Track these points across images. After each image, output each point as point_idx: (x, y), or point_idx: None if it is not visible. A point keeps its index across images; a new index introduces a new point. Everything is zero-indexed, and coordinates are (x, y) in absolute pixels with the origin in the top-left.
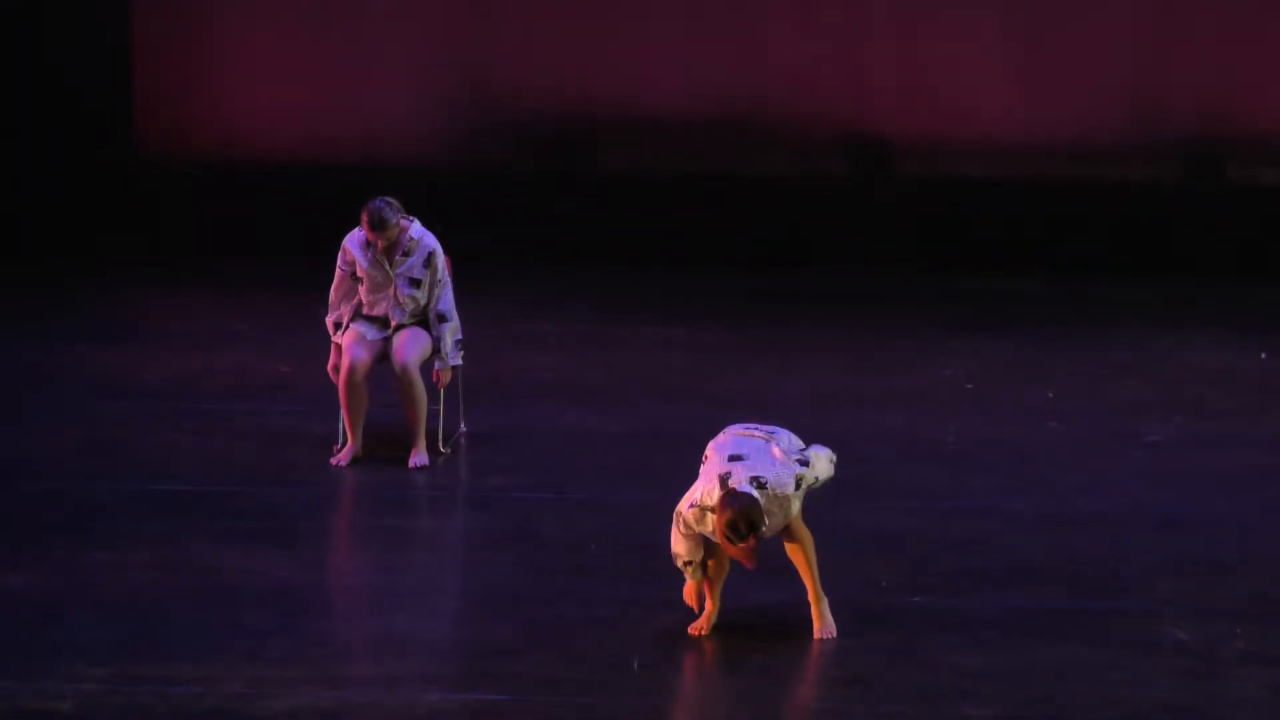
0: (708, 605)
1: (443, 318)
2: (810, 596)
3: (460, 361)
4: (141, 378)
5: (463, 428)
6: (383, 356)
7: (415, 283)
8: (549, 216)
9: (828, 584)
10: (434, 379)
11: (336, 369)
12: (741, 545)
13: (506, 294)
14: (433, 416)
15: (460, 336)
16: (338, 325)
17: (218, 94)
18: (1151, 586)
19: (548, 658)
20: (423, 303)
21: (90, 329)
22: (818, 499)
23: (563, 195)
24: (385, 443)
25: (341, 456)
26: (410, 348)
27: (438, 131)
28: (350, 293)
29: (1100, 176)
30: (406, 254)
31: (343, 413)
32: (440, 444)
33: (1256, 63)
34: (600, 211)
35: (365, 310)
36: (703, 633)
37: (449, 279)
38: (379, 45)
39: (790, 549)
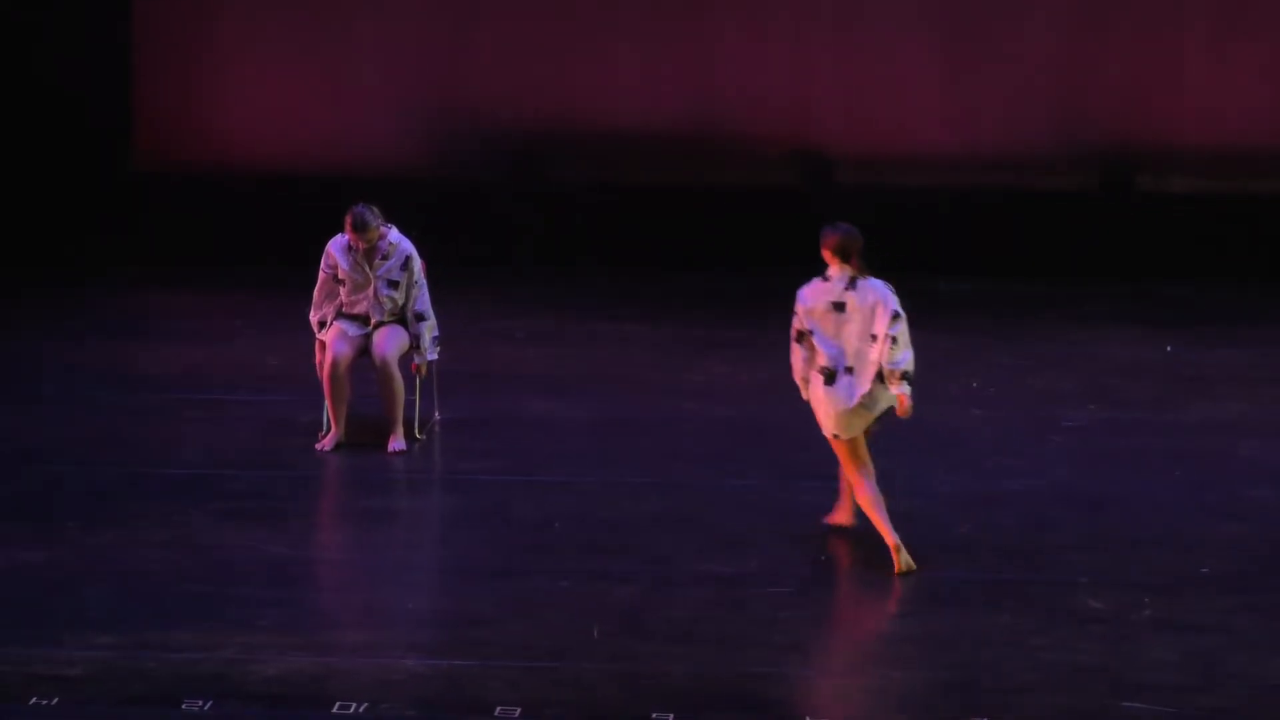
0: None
1: (420, 317)
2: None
3: (436, 356)
4: (144, 371)
5: (437, 416)
6: (363, 351)
7: (393, 284)
8: (517, 223)
9: (769, 557)
10: (412, 370)
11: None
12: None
13: (479, 294)
14: (410, 406)
15: (437, 334)
16: (321, 324)
17: (212, 110)
18: (1069, 560)
19: (516, 627)
20: (400, 303)
21: (96, 327)
22: (768, 479)
23: (529, 204)
24: (366, 430)
25: (325, 442)
26: (389, 343)
27: (415, 145)
28: (332, 294)
29: (1023, 185)
30: (385, 257)
31: (326, 402)
32: (416, 430)
33: (1167, 81)
34: (564, 219)
35: (346, 310)
36: None
37: (425, 281)
38: (361, 66)
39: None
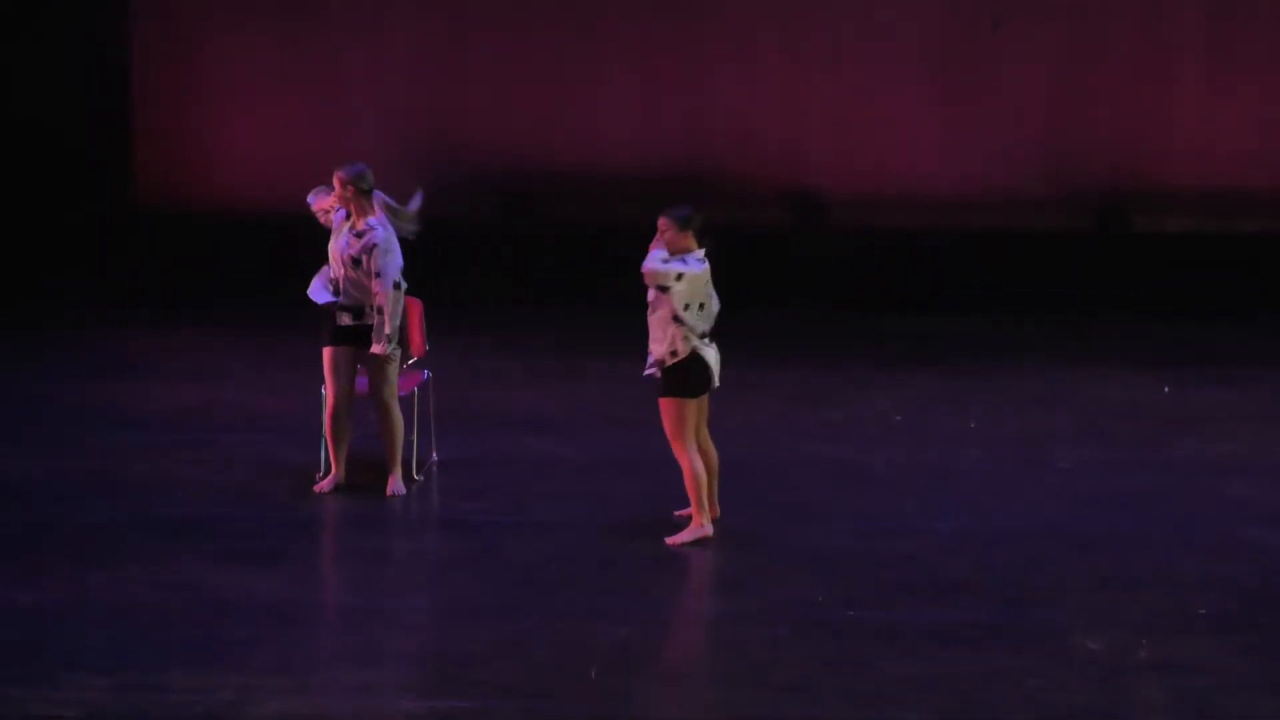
0: None
1: (379, 310)
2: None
3: (384, 352)
4: (139, 411)
5: (435, 456)
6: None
7: (355, 261)
8: (510, 263)
9: (764, 598)
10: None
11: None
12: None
13: (474, 334)
14: (408, 447)
15: (389, 331)
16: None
17: (209, 150)
18: (1064, 600)
19: (511, 667)
20: (358, 291)
21: (91, 366)
22: (764, 519)
23: (522, 243)
24: (364, 470)
25: (324, 484)
26: (383, 378)
27: (408, 184)
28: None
29: (1015, 225)
30: (358, 235)
31: (327, 443)
32: (414, 471)
33: (1159, 123)
34: (557, 258)
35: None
36: None
37: (392, 276)
38: (358, 107)
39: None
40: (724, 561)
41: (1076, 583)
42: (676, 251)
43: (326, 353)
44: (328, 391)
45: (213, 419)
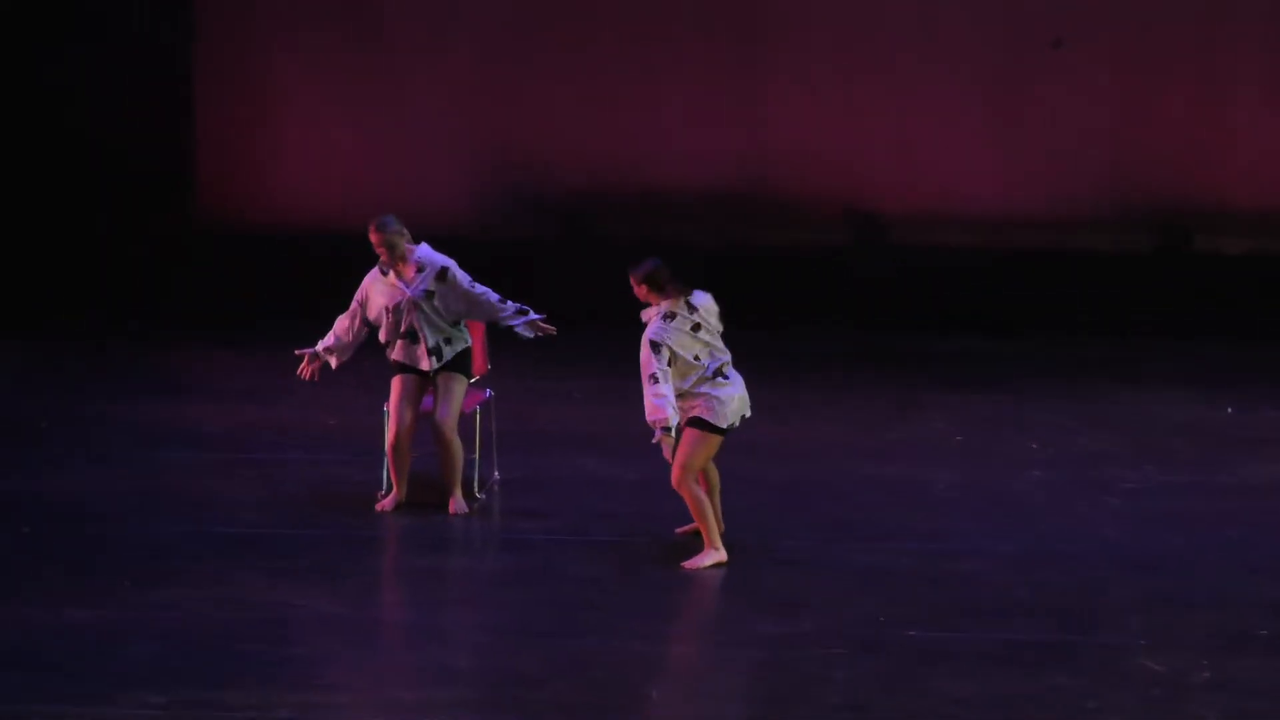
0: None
1: (503, 308)
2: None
3: (528, 332)
4: (200, 428)
5: (496, 475)
6: (424, 391)
7: (429, 294)
8: (569, 281)
9: (822, 617)
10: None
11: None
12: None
13: (533, 353)
14: (469, 465)
15: (518, 307)
16: (328, 350)
17: (271, 171)
18: (1125, 621)
19: (569, 686)
20: (449, 321)
21: (153, 384)
22: (821, 539)
23: (581, 262)
24: (426, 490)
25: (386, 503)
26: (446, 406)
27: (469, 204)
28: (353, 329)
29: (1077, 246)
30: (420, 270)
31: (389, 466)
32: (476, 490)
33: (1219, 143)
34: (616, 278)
35: (392, 355)
36: None
37: (480, 286)
38: (418, 127)
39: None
40: (780, 582)
41: (1136, 604)
42: (661, 303)
43: (396, 380)
44: (391, 418)
45: (274, 437)
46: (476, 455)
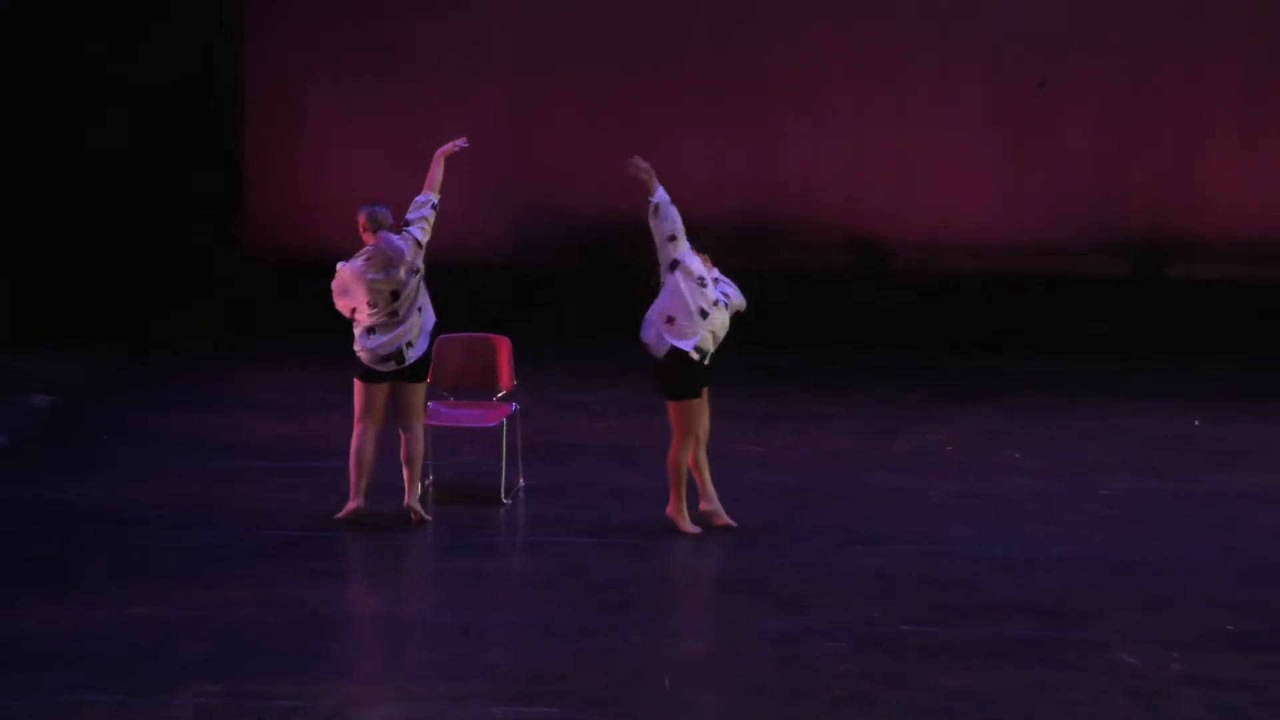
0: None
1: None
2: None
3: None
4: (244, 440)
5: (521, 482)
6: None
7: (415, 271)
8: (590, 303)
9: (826, 616)
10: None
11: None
12: None
13: (558, 369)
14: (495, 473)
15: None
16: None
17: (314, 200)
18: (1106, 618)
19: (592, 679)
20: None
21: (200, 398)
22: (827, 543)
23: (601, 285)
24: (452, 495)
25: (344, 512)
26: (413, 409)
27: (501, 231)
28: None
29: (1064, 270)
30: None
31: (351, 475)
32: (502, 495)
33: (1196, 176)
34: (633, 299)
35: (369, 350)
36: None
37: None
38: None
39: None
40: (789, 582)
41: (1117, 603)
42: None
43: (360, 386)
44: (355, 432)
45: (313, 448)
46: (503, 464)
